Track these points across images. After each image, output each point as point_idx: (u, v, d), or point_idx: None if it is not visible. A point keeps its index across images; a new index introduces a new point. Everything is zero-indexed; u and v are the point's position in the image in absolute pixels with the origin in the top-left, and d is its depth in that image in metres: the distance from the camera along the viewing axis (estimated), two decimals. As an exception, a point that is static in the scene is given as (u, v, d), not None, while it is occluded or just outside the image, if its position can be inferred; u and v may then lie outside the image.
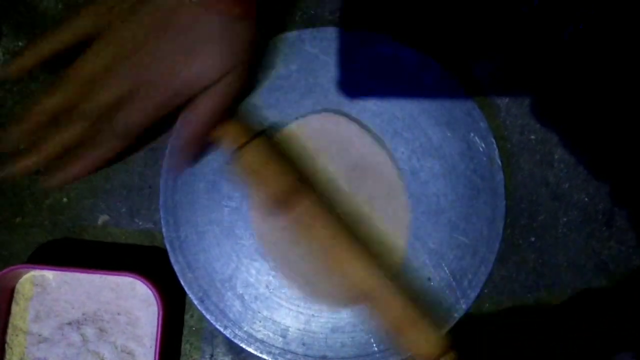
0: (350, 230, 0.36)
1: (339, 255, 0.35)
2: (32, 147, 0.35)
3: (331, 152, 0.39)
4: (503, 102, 0.41)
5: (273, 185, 0.36)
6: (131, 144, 0.36)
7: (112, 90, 0.33)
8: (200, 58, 0.33)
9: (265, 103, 0.39)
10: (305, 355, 0.37)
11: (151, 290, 0.37)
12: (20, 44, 0.43)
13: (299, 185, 0.36)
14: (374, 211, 0.39)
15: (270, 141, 0.37)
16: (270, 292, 0.38)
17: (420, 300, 0.36)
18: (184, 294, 0.39)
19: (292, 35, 0.40)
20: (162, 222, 0.39)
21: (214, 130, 0.36)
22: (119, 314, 0.38)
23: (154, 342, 0.37)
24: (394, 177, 0.39)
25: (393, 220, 0.39)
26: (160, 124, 0.35)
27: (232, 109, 0.37)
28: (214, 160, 0.39)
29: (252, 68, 0.36)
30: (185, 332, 0.40)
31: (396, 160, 0.39)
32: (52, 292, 0.39)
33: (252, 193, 0.38)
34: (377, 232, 0.38)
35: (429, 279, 0.38)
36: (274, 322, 0.38)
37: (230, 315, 0.38)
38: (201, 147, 0.37)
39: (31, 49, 0.34)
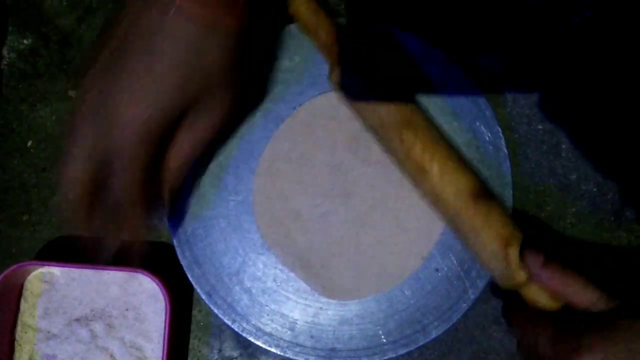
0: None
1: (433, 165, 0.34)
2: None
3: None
4: (510, 92, 0.41)
5: (322, 33, 0.37)
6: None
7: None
8: (160, 83, 0.28)
9: (269, 95, 0.39)
10: (314, 348, 0.37)
11: (159, 285, 0.37)
12: (25, 41, 0.43)
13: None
14: None
15: None
16: (278, 286, 0.38)
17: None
18: (192, 289, 0.39)
19: (295, 27, 0.40)
20: (168, 217, 0.38)
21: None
22: (127, 309, 0.38)
23: (162, 338, 0.37)
24: None
25: None
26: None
27: (226, 133, 0.36)
28: (219, 154, 0.39)
29: (245, 87, 0.33)
30: (193, 327, 0.40)
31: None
32: (60, 289, 0.39)
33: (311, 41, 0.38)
34: None
35: (437, 269, 0.38)
36: (282, 315, 0.38)
37: (238, 309, 0.38)
38: (178, 189, 0.36)
39: None
